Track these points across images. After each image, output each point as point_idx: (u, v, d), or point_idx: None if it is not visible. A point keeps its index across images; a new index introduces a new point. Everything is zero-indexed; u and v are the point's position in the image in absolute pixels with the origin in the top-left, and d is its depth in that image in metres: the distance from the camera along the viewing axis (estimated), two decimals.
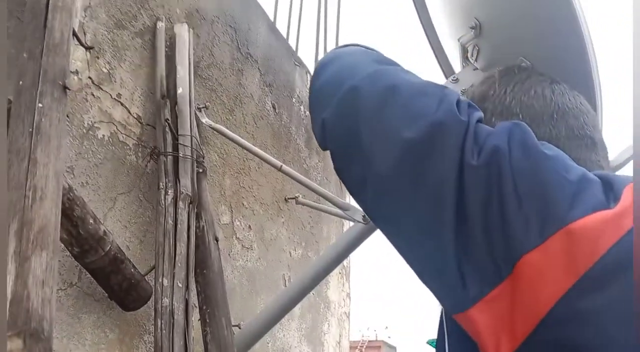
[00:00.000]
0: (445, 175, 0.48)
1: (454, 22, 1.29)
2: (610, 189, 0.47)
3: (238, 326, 1.34)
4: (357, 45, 0.73)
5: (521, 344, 0.44)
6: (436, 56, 1.39)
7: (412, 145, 0.50)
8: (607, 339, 0.41)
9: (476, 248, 0.46)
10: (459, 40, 1.19)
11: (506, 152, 0.48)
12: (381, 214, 0.56)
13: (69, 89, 0.77)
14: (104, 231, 0.96)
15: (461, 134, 0.49)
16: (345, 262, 2.35)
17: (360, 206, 0.61)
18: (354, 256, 2.52)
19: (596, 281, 0.42)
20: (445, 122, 0.50)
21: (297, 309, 1.86)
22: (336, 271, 2.25)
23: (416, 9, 1.39)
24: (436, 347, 0.61)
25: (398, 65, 0.64)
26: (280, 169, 1.32)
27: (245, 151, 1.54)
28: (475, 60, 1.19)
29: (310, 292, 1.91)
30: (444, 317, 0.58)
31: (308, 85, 2.17)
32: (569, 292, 0.42)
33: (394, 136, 0.52)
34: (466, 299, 0.46)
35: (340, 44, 2.56)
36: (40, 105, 0.72)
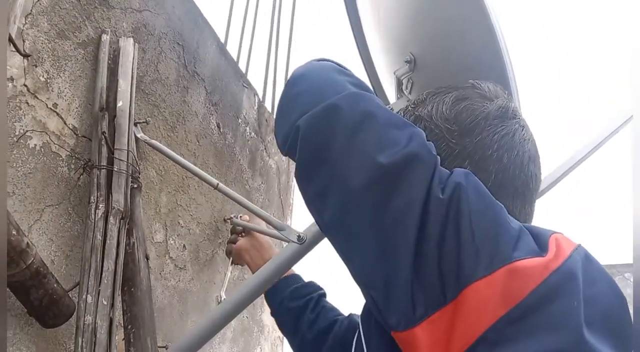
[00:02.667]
0: (411, 202, 0.53)
1: (391, 56, 1.34)
2: (538, 240, 0.54)
3: (165, 347, 1.30)
4: (334, 62, 0.76)
5: None
6: (373, 87, 1.45)
7: (385, 170, 0.54)
8: None
9: (429, 272, 0.51)
10: (394, 73, 1.24)
11: (466, 191, 0.54)
12: (340, 229, 0.59)
13: None
14: (27, 243, 0.93)
15: (431, 168, 0.55)
16: None
17: (314, 216, 0.63)
18: None
19: (522, 312, 0.49)
20: (419, 155, 0.56)
21: (229, 333, 1.83)
22: None
23: (356, 43, 1.44)
24: None
25: (371, 91, 0.68)
26: (216, 187, 1.31)
27: (184, 169, 1.53)
28: (409, 92, 1.24)
29: (244, 316, 1.89)
30: (362, 336, 0.62)
31: (255, 107, 2.18)
32: (500, 320, 0.49)
33: (366, 159, 0.56)
34: (412, 318, 0.51)
35: (291, 69, 2.59)
36: None
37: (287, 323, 1.16)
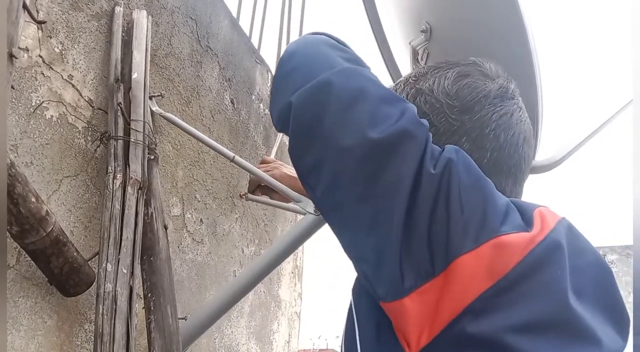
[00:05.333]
0: (402, 176, 0.54)
1: (405, 25, 1.32)
2: (523, 215, 0.56)
3: (184, 318, 1.31)
4: (329, 35, 0.75)
5: (440, 332, 0.51)
6: (384, 59, 1.43)
7: (376, 144, 0.55)
8: (505, 329, 0.50)
9: (418, 244, 0.53)
10: (410, 43, 1.22)
11: (457, 167, 0.55)
12: (332, 203, 0.60)
13: (16, 58, 0.75)
14: (47, 211, 0.93)
15: (423, 143, 0.56)
16: (298, 262, 2.35)
17: (307, 191, 0.64)
18: (308, 264, 2.53)
19: (508, 284, 0.51)
20: (411, 131, 0.56)
21: (246, 306, 1.84)
22: (289, 269, 2.25)
23: (367, 14, 1.42)
24: (344, 336, 0.64)
25: (366, 66, 0.68)
26: (232, 160, 1.31)
27: (200, 143, 1.53)
28: (425, 63, 1.22)
29: (261, 290, 1.90)
30: (353, 308, 0.63)
31: (269, 84, 2.17)
32: (486, 292, 0.50)
33: (359, 134, 0.56)
34: (401, 289, 0.52)
35: None
36: None
37: None
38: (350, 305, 0.66)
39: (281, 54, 0.74)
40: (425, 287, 0.51)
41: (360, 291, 0.64)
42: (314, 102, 0.60)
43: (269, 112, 2.13)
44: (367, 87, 0.60)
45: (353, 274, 0.63)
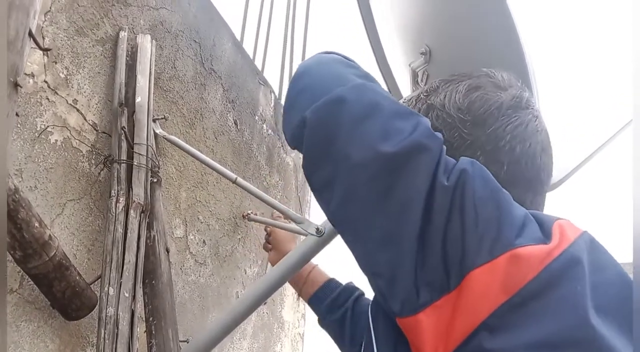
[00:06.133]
0: (416, 190, 0.54)
1: (405, 48, 1.34)
2: (542, 228, 0.54)
3: (186, 341, 1.31)
4: (339, 54, 0.76)
5: (456, 349, 0.49)
6: (385, 80, 1.45)
7: (389, 158, 0.55)
8: (522, 346, 0.48)
9: (433, 259, 0.52)
10: (410, 65, 1.24)
11: (472, 178, 0.54)
12: (346, 217, 0.60)
13: (20, 86, 0.76)
14: (50, 236, 0.94)
15: (436, 156, 0.55)
16: None
17: (322, 207, 0.64)
18: None
19: (523, 299, 0.49)
20: (424, 144, 0.56)
21: (249, 328, 1.84)
22: (292, 290, 2.24)
23: (369, 37, 1.44)
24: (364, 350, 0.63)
25: (377, 82, 0.68)
26: (235, 182, 1.32)
27: (203, 165, 1.54)
28: (425, 84, 1.23)
29: (264, 312, 1.89)
30: (370, 328, 0.62)
31: (272, 105, 2.19)
32: (501, 306, 0.49)
33: (372, 148, 0.56)
34: (416, 304, 0.51)
35: None
36: None
37: (333, 336, 1.16)
38: (369, 325, 0.66)
39: (293, 73, 0.75)
40: (441, 302, 0.50)
41: (377, 310, 0.64)
42: (328, 117, 0.61)
43: (271, 133, 2.14)
44: (380, 101, 0.60)
45: (371, 294, 0.63)
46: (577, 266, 0.52)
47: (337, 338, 1.13)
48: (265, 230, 1.51)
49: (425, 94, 0.78)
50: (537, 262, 0.50)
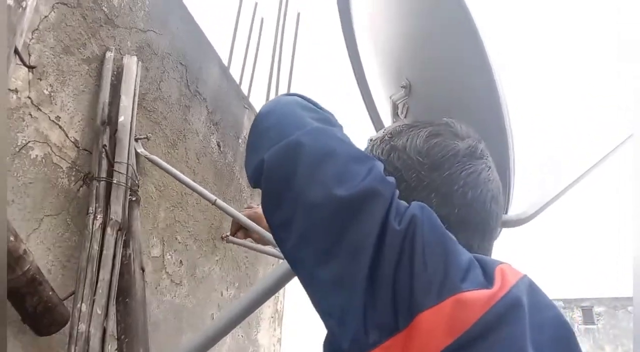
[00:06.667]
0: (367, 233, 0.56)
1: (387, 81, 1.38)
2: (485, 272, 0.57)
3: None
4: (300, 95, 0.79)
5: None
6: (368, 111, 1.48)
7: (342, 202, 0.57)
8: None
9: (382, 300, 0.54)
10: (390, 97, 1.28)
11: (421, 223, 0.57)
12: (300, 258, 0.62)
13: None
14: (25, 250, 0.94)
15: (387, 201, 0.58)
16: (279, 306, 2.33)
17: (279, 245, 0.66)
18: (289, 309, 2.51)
19: (467, 342, 0.52)
20: (376, 189, 0.59)
21: (224, 351, 1.82)
22: (268, 314, 2.23)
23: (353, 68, 1.48)
24: None
25: (336, 125, 0.72)
26: (214, 203, 1.33)
27: (183, 185, 1.55)
28: (405, 116, 1.27)
29: (239, 335, 1.88)
30: None
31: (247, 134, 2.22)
32: (446, 349, 0.51)
33: (326, 192, 0.58)
34: (366, 343, 0.53)
35: (293, 91, 2.63)
36: None
37: None
38: None
39: (255, 115, 0.78)
40: (389, 343, 0.52)
41: (329, 349, 0.66)
42: (285, 161, 0.63)
43: None
44: (335, 146, 0.63)
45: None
46: (518, 308, 0.55)
47: None
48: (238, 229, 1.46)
49: (389, 136, 0.82)
50: (480, 306, 0.53)
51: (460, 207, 0.71)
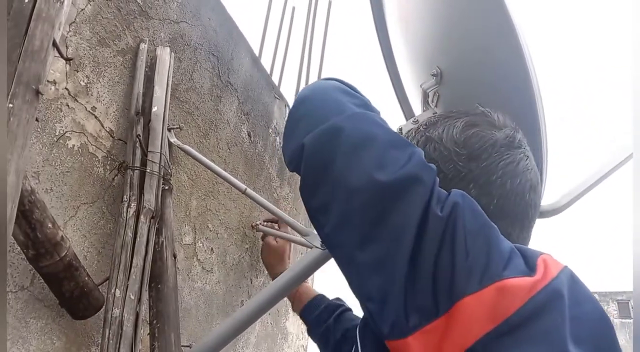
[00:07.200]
0: (409, 218, 0.57)
1: (417, 69, 1.37)
2: (527, 261, 0.58)
3: (189, 346, 1.34)
4: (339, 80, 0.79)
5: None
6: (399, 99, 1.47)
7: (383, 187, 0.58)
8: None
9: (423, 285, 0.55)
10: (421, 86, 1.27)
11: (462, 211, 0.57)
12: (339, 241, 0.63)
13: (42, 94, 0.81)
14: (62, 236, 0.98)
15: (429, 187, 0.58)
16: None
17: (317, 230, 0.67)
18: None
19: (509, 328, 0.52)
20: (418, 175, 0.59)
21: (252, 337, 1.86)
22: None
23: (383, 56, 1.48)
24: None
25: (376, 111, 0.72)
26: (244, 192, 1.35)
27: (215, 175, 1.58)
28: (435, 105, 1.26)
29: (268, 322, 1.91)
30: (358, 343, 0.65)
31: (286, 117, 2.23)
32: (487, 334, 0.51)
33: (367, 176, 0.59)
34: (406, 328, 0.54)
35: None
36: (10, 105, 0.75)
37: (320, 349, 1.24)
38: (356, 345, 0.68)
39: (294, 99, 0.78)
40: (429, 327, 0.53)
41: (365, 331, 0.67)
42: (325, 145, 0.64)
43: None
44: (375, 132, 0.64)
45: (361, 312, 0.65)
46: (559, 299, 0.55)
47: (323, 349, 1.21)
48: (262, 239, 1.58)
49: (424, 126, 0.81)
50: (523, 294, 0.53)
51: (499, 197, 0.71)
